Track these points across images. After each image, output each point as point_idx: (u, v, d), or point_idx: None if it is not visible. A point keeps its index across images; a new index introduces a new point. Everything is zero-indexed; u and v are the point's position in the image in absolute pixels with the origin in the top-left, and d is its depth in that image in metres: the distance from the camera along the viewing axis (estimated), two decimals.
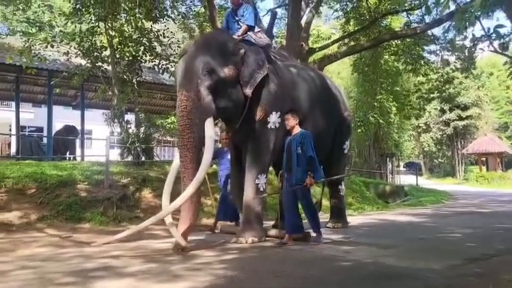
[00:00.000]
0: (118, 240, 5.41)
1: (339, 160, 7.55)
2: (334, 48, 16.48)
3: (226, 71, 5.31)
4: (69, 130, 16.84)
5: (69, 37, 11.77)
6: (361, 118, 22.65)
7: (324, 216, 7.60)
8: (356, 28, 15.75)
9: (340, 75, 27.43)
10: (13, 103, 18.05)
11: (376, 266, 4.26)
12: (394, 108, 22.70)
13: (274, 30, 14.90)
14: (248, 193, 5.73)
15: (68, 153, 16.15)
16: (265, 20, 15.02)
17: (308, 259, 4.72)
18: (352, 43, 15.64)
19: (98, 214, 7.26)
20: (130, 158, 10.64)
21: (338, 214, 7.57)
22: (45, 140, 17.07)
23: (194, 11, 15.41)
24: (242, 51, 5.55)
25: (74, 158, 15.22)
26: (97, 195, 7.88)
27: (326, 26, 27.36)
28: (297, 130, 5.68)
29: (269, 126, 5.77)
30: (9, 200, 6.92)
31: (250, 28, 5.94)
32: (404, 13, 15.95)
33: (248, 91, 5.46)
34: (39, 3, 16.81)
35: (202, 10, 14.62)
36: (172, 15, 13.95)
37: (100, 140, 11.62)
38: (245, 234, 5.61)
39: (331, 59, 14.56)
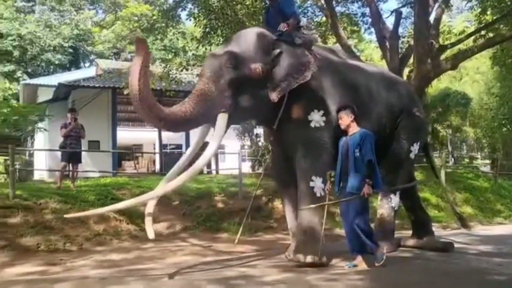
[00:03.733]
0: (86, 216, 6.25)
1: (400, 165, 5.94)
2: (469, 43, 15.10)
3: (252, 68, 4.85)
4: (204, 145, 18.02)
5: (200, 60, 12.66)
6: (506, 115, 20.39)
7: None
8: (494, 18, 14.27)
9: (480, 70, 25.05)
10: None
11: None
12: None
13: (400, 30, 14.24)
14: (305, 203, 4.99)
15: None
16: (389, 22, 14.48)
17: (452, 271, 4.37)
18: (490, 34, 14.19)
19: (234, 225, 7.58)
20: (261, 170, 10.98)
21: (422, 227, 6.18)
22: None
23: (316, 21, 15.46)
24: (277, 51, 5.06)
25: (210, 172, 16.24)
26: (233, 207, 8.29)
27: (458, 19, 25.31)
28: (354, 129, 4.85)
29: (312, 125, 5.14)
30: (158, 212, 7.58)
31: (295, 17, 5.41)
32: None
33: (275, 96, 4.91)
34: (173, 31, 18.41)
35: (324, 19, 14.62)
36: None
37: (232, 154, 12.26)
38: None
39: (466, 55, 13.37)
